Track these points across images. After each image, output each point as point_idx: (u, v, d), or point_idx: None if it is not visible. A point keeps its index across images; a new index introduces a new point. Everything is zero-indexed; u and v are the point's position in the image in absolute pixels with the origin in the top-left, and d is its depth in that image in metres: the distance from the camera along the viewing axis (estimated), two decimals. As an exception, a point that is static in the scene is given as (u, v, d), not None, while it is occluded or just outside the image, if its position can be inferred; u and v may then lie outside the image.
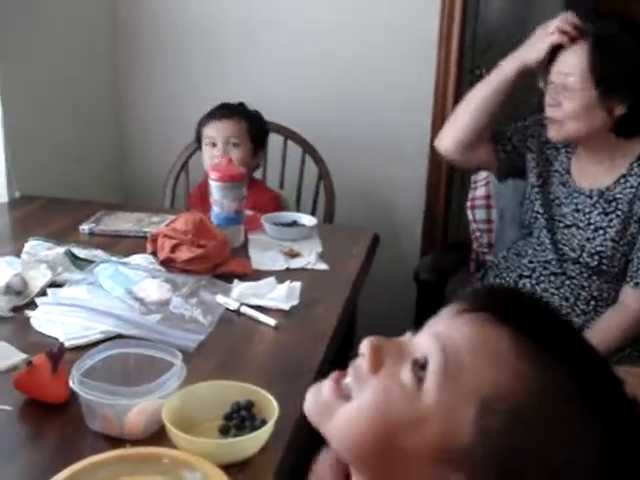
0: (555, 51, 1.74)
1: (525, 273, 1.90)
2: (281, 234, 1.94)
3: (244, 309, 1.51)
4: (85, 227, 1.93)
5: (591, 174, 1.83)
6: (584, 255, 1.81)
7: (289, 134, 2.49)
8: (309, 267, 1.77)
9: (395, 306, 2.76)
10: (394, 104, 2.65)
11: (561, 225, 1.85)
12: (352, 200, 2.62)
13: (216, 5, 2.67)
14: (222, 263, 1.70)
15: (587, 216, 1.81)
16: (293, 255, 1.83)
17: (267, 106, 2.37)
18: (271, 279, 1.62)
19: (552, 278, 1.85)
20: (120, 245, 1.85)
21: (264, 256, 1.82)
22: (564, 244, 1.85)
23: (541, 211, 1.90)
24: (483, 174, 2.16)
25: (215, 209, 1.85)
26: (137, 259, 1.70)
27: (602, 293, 1.82)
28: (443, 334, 0.65)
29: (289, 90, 2.67)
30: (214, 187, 1.83)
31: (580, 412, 0.61)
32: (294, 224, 2.01)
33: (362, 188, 2.73)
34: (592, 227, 1.80)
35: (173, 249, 1.71)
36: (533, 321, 0.65)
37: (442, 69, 2.61)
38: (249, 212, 2.03)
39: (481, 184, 2.17)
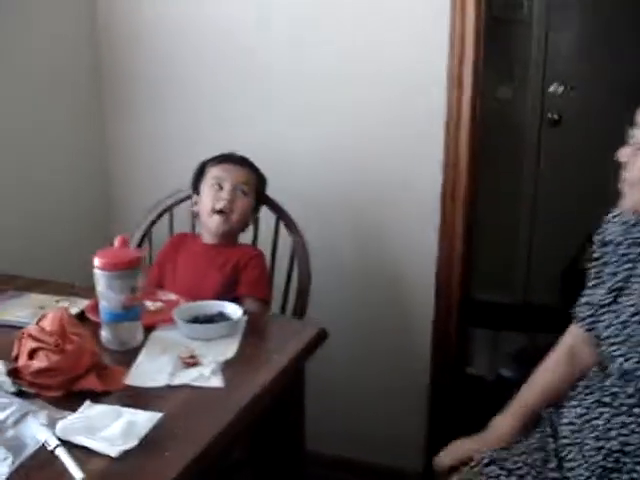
0: None
1: (605, 399, 1.41)
2: (191, 332, 1.58)
3: (60, 451, 1.16)
4: (-26, 314, 1.66)
5: None
6: None
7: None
8: (196, 384, 1.39)
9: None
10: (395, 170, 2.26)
11: None
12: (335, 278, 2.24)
13: (207, 72, 2.42)
14: (80, 377, 1.36)
15: None
16: (191, 363, 1.47)
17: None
18: (116, 407, 1.27)
19: (636, 410, 1.36)
20: (2, 340, 1.55)
21: (151, 365, 1.45)
22: None
23: (613, 333, 1.42)
24: None
25: (101, 302, 1.52)
26: (-22, 367, 1.39)
27: None
28: None
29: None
30: (99, 276, 1.50)
31: None
32: (220, 316, 1.65)
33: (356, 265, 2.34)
34: None
35: (31, 354, 1.40)
36: None
37: (452, 146, 2.19)
38: (172, 297, 1.72)
39: None
